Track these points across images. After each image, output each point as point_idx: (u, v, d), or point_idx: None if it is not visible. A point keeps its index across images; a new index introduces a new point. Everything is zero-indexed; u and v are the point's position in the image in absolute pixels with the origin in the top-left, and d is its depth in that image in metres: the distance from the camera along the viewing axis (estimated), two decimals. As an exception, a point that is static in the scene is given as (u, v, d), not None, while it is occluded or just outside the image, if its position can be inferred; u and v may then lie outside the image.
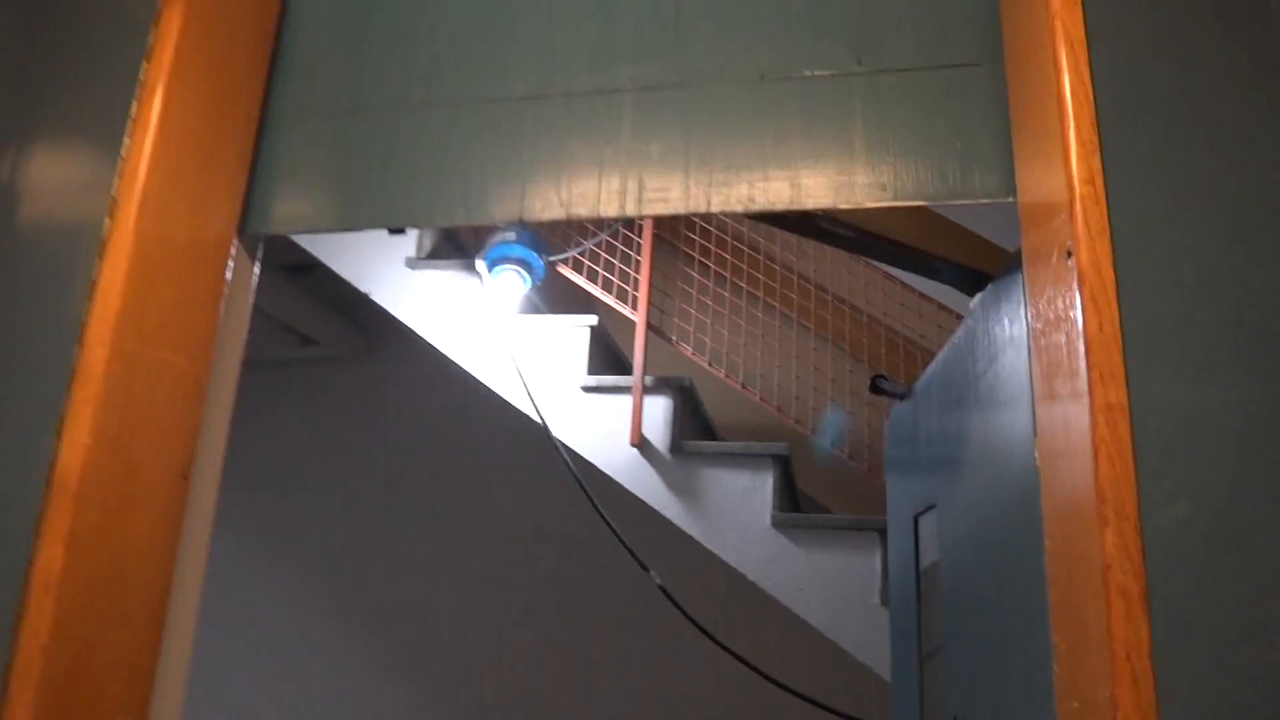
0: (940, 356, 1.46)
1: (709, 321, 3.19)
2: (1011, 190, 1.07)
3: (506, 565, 3.75)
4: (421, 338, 2.99)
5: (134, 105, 1.11)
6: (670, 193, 1.15)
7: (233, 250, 1.22)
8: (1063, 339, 0.89)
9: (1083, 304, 0.84)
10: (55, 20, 1.20)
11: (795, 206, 1.12)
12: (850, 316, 3.46)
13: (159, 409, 1.09)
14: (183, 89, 1.13)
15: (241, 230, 1.24)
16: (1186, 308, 0.84)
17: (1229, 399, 0.81)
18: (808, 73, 1.16)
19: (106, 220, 1.07)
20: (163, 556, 1.09)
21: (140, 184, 1.07)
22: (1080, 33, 0.91)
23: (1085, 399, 0.83)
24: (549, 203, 1.18)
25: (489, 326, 2.96)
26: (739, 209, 1.13)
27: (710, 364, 3.09)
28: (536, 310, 3.09)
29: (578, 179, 1.18)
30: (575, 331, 2.98)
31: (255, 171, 1.27)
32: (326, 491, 4.04)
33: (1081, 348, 0.83)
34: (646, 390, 2.86)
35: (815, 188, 1.12)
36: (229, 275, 1.21)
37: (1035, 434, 0.98)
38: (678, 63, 1.20)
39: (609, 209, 1.16)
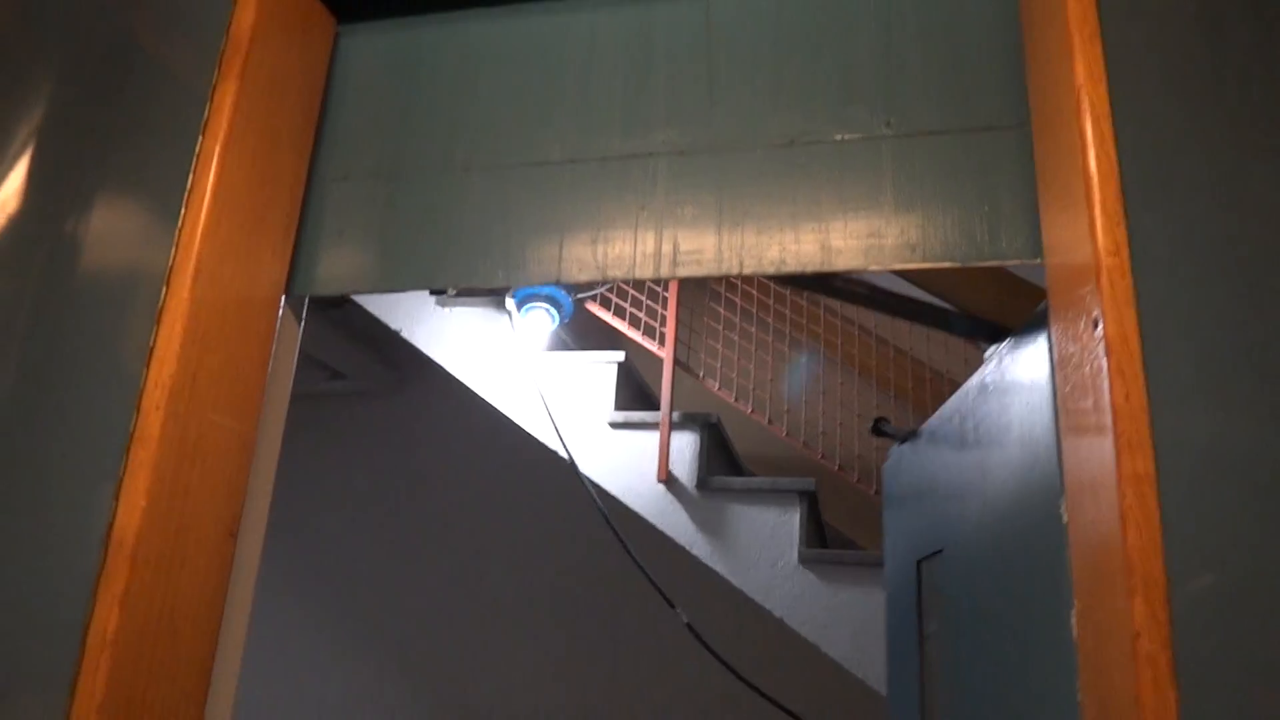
0: (954, 403, 1.47)
1: (735, 357, 3.21)
2: (1039, 252, 1.09)
3: (533, 602, 3.77)
4: (451, 374, 3.04)
5: (190, 177, 1.15)
6: (704, 255, 1.18)
7: (280, 311, 1.26)
8: (1090, 405, 0.91)
9: (1110, 374, 0.86)
10: (119, 90, 1.25)
11: (825, 268, 1.15)
12: (877, 350, 3.47)
13: (209, 470, 1.12)
14: (235, 160, 1.17)
15: (288, 291, 1.28)
16: (1213, 379, 0.86)
17: (1255, 473, 0.82)
18: (838, 137, 1.20)
19: (163, 288, 1.11)
20: (210, 612, 1.12)
21: (195, 253, 1.11)
22: (1106, 106, 0.94)
23: (1113, 468, 0.85)
24: (585, 265, 1.21)
25: (518, 363, 3.00)
26: (770, 271, 1.16)
27: (736, 399, 3.11)
28: (565, 347, 3.12)
29: (613, 241, 1.21)
30: (603, 368, 3.01)
31: (301, 233, 1.32)
32: (351, 523, 4.08)
33: (1109, 419, 0.85)
34: (674, 426, 2.88)
35: (846, 250, 1.15)
36: (276, 336, 1.25)
37: (1064, 493, 1.00)
38: (710, 128, 1.23)
39: (644, 271, 1.19)
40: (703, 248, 1.18)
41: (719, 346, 3.22)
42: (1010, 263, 1.11)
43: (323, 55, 1.39)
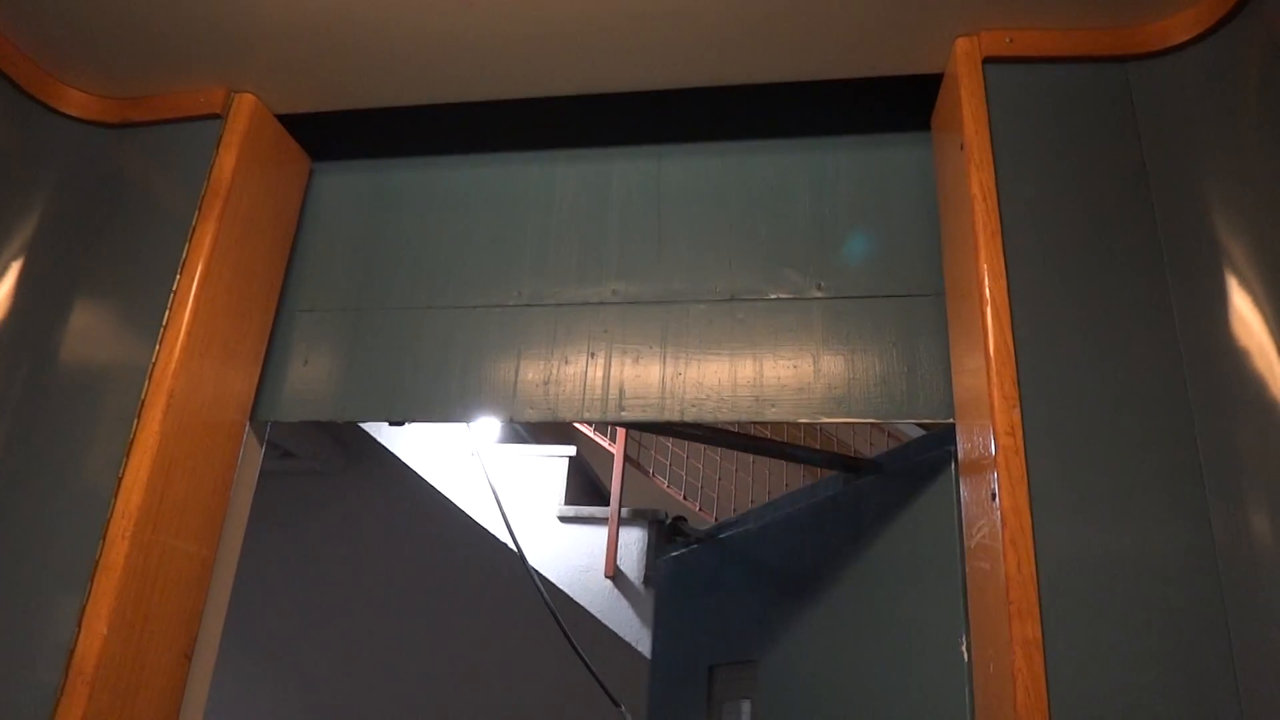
0: (781, 518, 1.56)
1: (685, 455, 3.30)
2: (951, 413, 1.20)
3: (477, 694, 3.75)
4: (401, 460, 3.08)
5: (166, 313, 1.23)
6: (648, 401, 1.27)
7: (245, 436, 1.33)
8: (988, 566, 1.01)
9: (1004, 545, 0.96)
10: (105, 222, 1.32)
11: (758, 419, 1.25)
12: (821, 442, 3.58)
13: (169, 594, 1.18)
14: (210, 296, 1.25)
15: (253, 417, 1.35)
16: (1095, 543, 0.96)
17: (1131, 634, 0.92)
18: (773, 295, 1.31)
19: (135, 420, 1.18)
20: (164, 734, 1.16)
21: (167, 387, 1.18)
22: (1004, 298, 1.06)
23: (1006, 630, 0.94)
24: (537, 405, 1.30)
25: (469, 454, 3.05)
26: (709, 420, 1.25)
27: (686, 497, 3.19)
28: (517, 439, 3.19)
29: (564, 383, 1.31)
30: (554, 461, 3.08)
31: (268, 360, 1.39)
32: (295, 604, 4.05)
33: (1004, 586, 0.95)
34: (623, 522, 2.95)
35: (778, 403, 1.25)
36: (239, 461, 1.31)
37: (966, 632, 1.09)
38: (658, 281, 1.34)
39: (591, 414, 1.28)
40: (647, 395, 1.28)
41: (669, 444, 3.31)
42: (925, 421, 1.21)
43: (297, 192, 1.48)
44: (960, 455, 1.16)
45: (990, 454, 1.01)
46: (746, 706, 1.51)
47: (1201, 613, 0.93)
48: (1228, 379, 0.98)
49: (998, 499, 0.99)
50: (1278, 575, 0.89)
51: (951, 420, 1.20)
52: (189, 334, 1.22)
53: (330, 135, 1.47)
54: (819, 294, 1.29)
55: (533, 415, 1.29)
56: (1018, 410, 1.01)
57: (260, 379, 1.37)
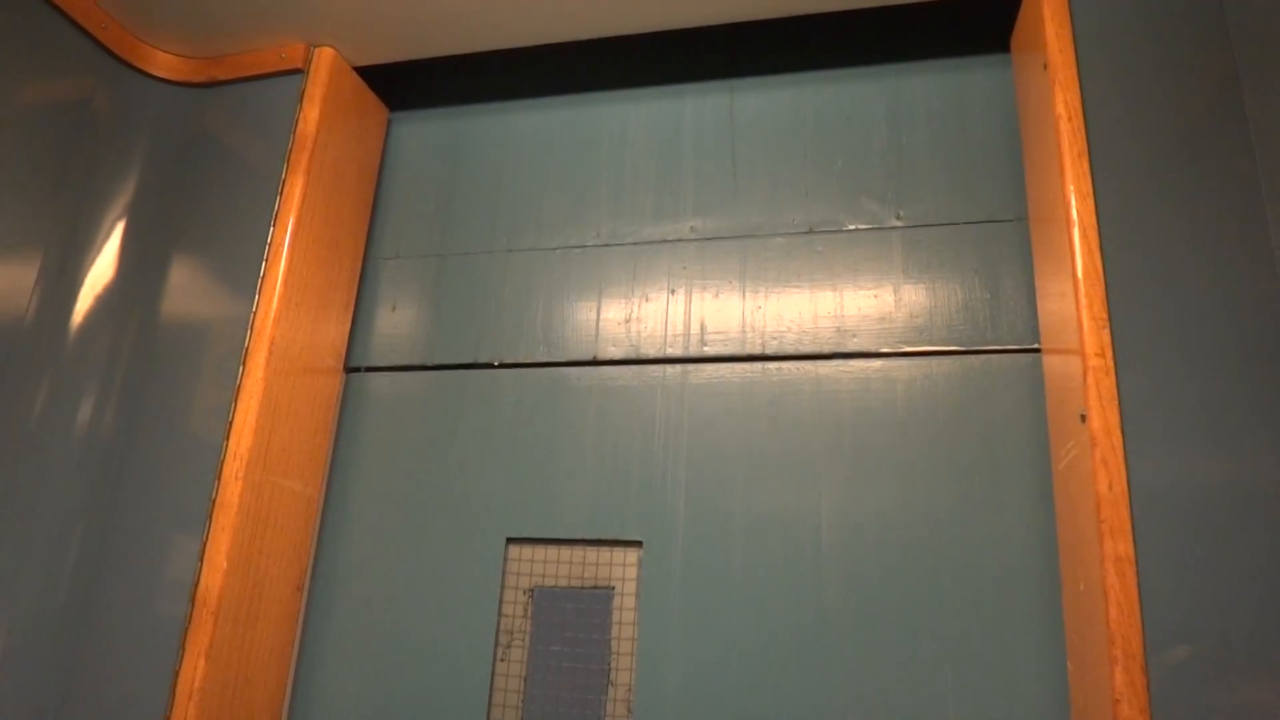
0: None
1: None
2: (1037, 339, 1.20)
3: None
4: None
5: (263, 264, 1.27)
6: (728, 338, 1.29)
7: (340, 384, 1.38)
8: (1077, 489, 1.02)
9: (1094, 465, 0.96)
10: (197, 180, 1.38)
11: (839, 350, 1.25)
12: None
13: (280, 530, 1.24)
14: (302, 247, 1.30)
15: (346, 366, 1.40)
16: (1189, 468, 0.96)
17: (1225, 553, 0.93)
18: (851, 226, 1.31)
19: (240, 367, 1.23)
20: (281, 662, 1.24)
21: (269, 336, 1.24)
22: (1092, 218, 1.05)
23: (1097, 548, 0.95)
24: (620, 344, 1.33)
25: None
26: (790, 352, 1.27)
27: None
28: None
29: (645, 321, 1.33)
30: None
31: (357, 310, 1.44)
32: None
33: (1093, 504, 0.96)
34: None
35: (859, 333, 1.25)
36: (338, 405, 1.37)
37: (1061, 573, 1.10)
38: (734, 216, 1.35)
39: (674, 350, 1.30)
40: (728, 330, 1.29)
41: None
42: (1010, 349, 1.21)
43: (377, 143, 1.51)
44: (1047, 379, 1.16)
45: (1080, 376, 1.01)
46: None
47: (1298, 529, 0.93)
48: (1327, 293, 0.96)
49: (1086, 420, 0.99)
50: (1380, 489, 0.88)
51: (1038, 346, 1.20)
52: (285, 284, 1.27)
53: (407, 85, 1.50)
54: (898, 223, 1.29)
55: (615, 353, 1.32)
56: (1107, 331, 1.01)
57: (353, 329, 1.42)
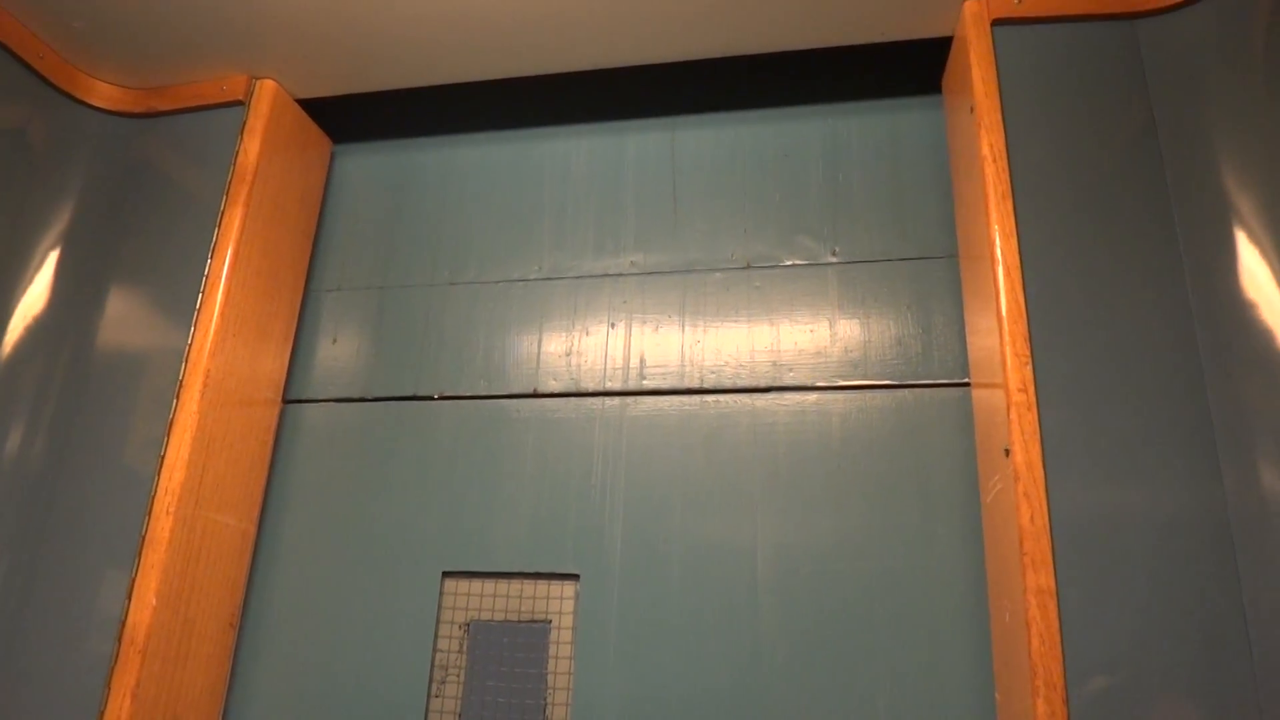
0: None
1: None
2: (967, 374, 1.23)
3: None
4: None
5: (200, 296, 1.27)
6: (668, 371, 1.31)
7: (277, 416, 1.37)
8: (1002, 521, 1.04)
9: (1017, 499, 0.99)
10: (135, 209, 1.36)
11: (774, 384, 1.27)
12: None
13: (213, 566, 1.22)
14: (240, 280, 1.29)
15: (285, 398, 1.39)
16: (1108, 501, 0.98)
17: (1142, 585, 0.95)
18: (788, 262, 1.33)
19: (174, 400, 1.22)
20: (213, 701, 1.22)
21: (204, 368, 1.23)
22: (1016, 258, 1.08)
23: (1020, 580, 0.97)
24: (560, 378, 1.34)
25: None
26: (728, 386, 1.28)
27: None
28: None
29: (586, 355, 1.34)
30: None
31: (297, 341, 1.43)
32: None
33: (1017, 538, 0.98)
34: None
35: (795, 368, 1.27)
36: (273, 440, 1.36)
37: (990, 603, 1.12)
38: (674, 252, 1.37)
39: (613, 383, 1.31)
40: (667, 364, 1.31)
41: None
42: (941, 383, 1.24)
43: (320, 174, 1.52)
44: (976, 413, 1.19)
45: (1004, 410, 1.04)
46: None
47: (1212, 564, 0.96)
48: (1237, 333, 1.00)
49: (1010, 454, 1.01)
50: (1287, 522, 0.91)
51: (967, 380, 1.22)
52: (222, 316, 1.26)
53: (351, 117, 1.50)
54: (833, 259, 1.32)
55: (555, 386, 1.33)
56: (1029, 367, 1.03)
57: (290, 359, 1.42)
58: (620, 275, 1.37)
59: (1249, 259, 1.00)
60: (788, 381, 1.27)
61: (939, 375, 1.24)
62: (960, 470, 1.20)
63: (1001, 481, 1.05)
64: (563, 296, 1.38)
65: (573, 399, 1.33)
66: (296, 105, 1.45)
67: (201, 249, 1.30)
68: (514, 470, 1.31)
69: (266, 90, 1.39)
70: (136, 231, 1.35)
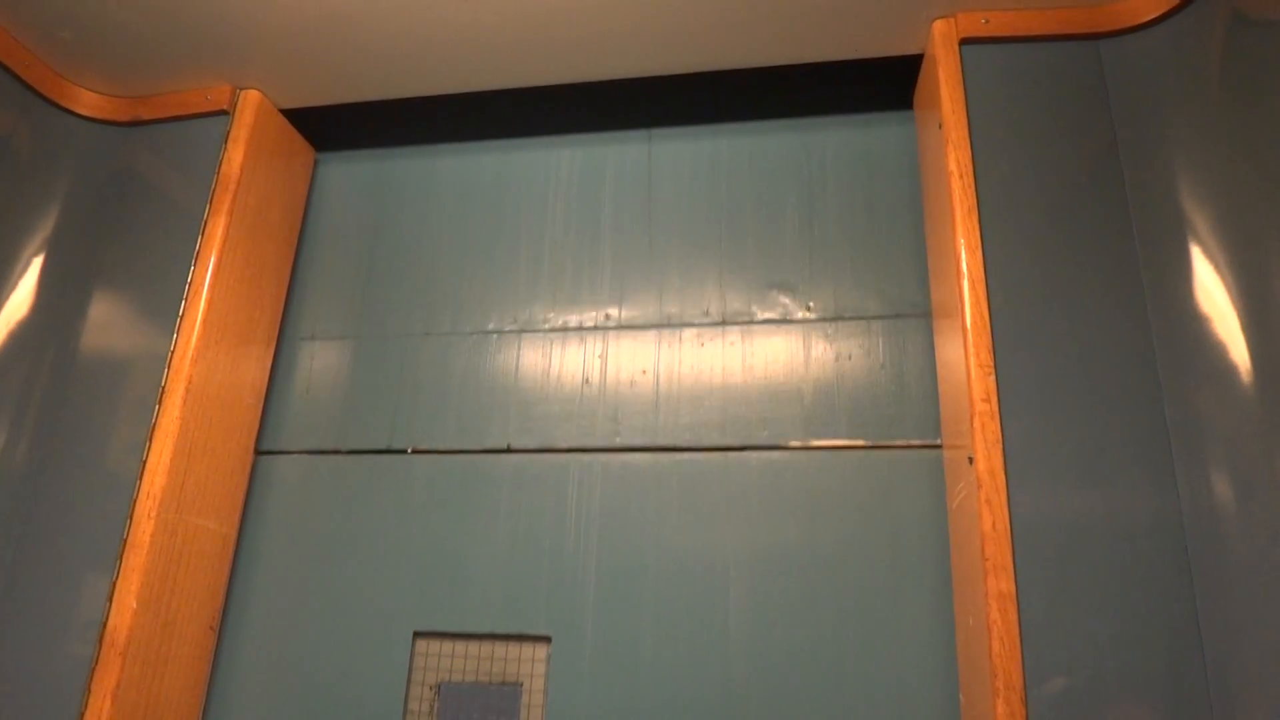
0: None
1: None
2: (939, 434, 1.24)
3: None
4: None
5: (182, 304, 1.28)
6: (643, 427, 1.32)
7: (259, 418, 1.39)
8: (967, 526, 1.07)
9: (979, 506, 1.02)
10: (120, 215, 1.38)
11: (749, 444, 1.29)
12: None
13: (193, 570, 1.24)
14: (224, 287, 1.31)
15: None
16: (1066, 507, 1.01)
17: (1099, 588, 0.98)
18: (762, 318, 1.35)
19: (156, 405, 1.24)
20: (192, 703, 1.23)
21: (186, 374, 1.24)
22: (980, 271, 1.11)
23: (982, 586, 1.00)
24: (534, 433, 1.35)
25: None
26: (704, 444, 1.29)
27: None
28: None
29: (560, 411, 1.35)
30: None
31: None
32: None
33: (979, 543, 1.01)
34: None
35: (770, 426, 1.29)
36: (257, 437, 1.38)
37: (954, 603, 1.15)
38: (651, 306, 1.38)
39: (587, 440, 1.32)
40: (641, 421, 1.32)
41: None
42: (914, 444, 1.25)
43: (303, 183, 1.54)
44: (943, 423, 1.22)
45: (968, 419, 1.07)
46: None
47: (1167, 568, 0.99)
48: (1192, 344, 1.03)
49: (974, 462, 1.04)
50: (1238, 532, 0.94)
51: (939, 442, 1.24)
52: (205, 323, 1.28)
53: (335, 126, 1.52)
54: (808, 315, 1.34)
55: (529, 442, 1.34)
56: (993, 377, 1.06)
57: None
58: (596, 329, 1.39)
59: (1204, 274, 1.03)
60: (761, 440, 1.29)
61: (913, 435, 1.26)
62: (934, 532, 1.21)
63: (965, 489, 1.08)
64: (538, 349, 1.40)
65: (547, 455, 1.33)
66: (280, 115, 1.47)
67: (185, 256, 1.32)
68: (487, 528, 1.31)
69: (250, 100, 1.41)
70: (121, 238, 1.37)
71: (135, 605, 1.15)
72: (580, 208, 1.46)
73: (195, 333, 1.27)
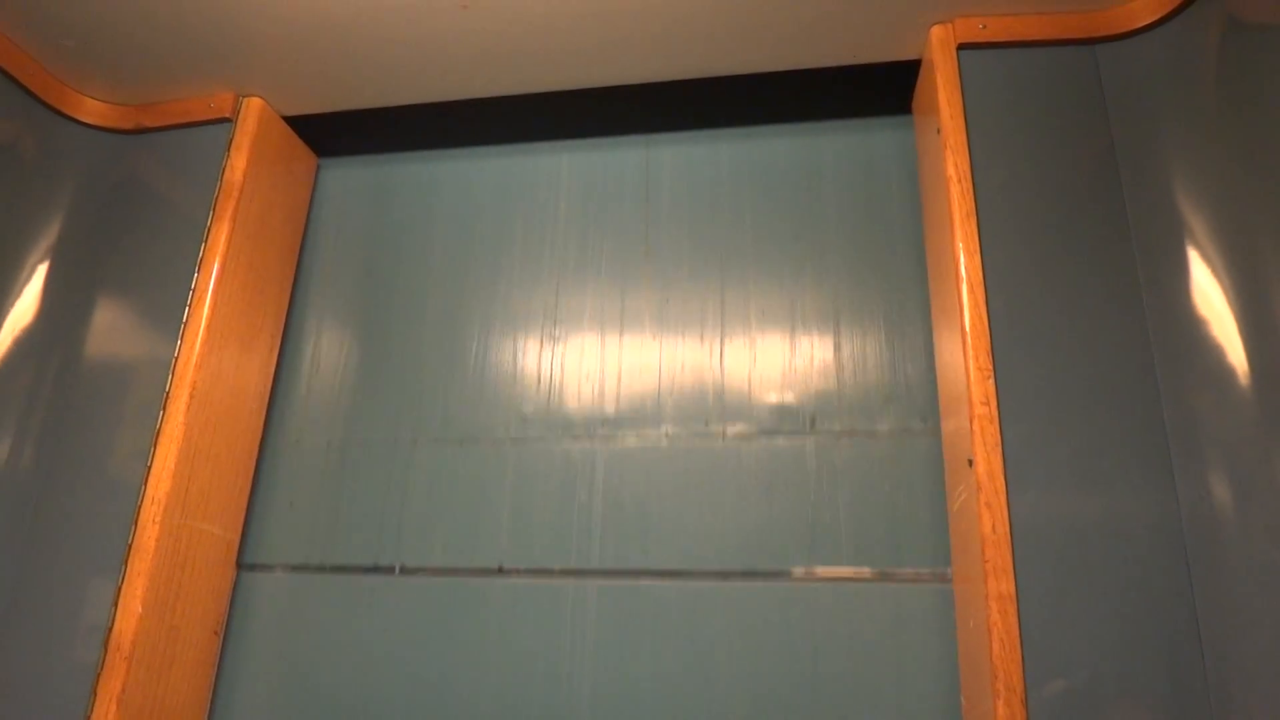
0: None
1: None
2: (949, 562, 1.20)
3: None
4: None
5: (186, 311, 1.29)
6: (639, 550, 1.28)
7: (263, 423, 1.40)
8: (967, 529, 1.07)
9: (979, 509, 1.02)
10: (123, 220, 1.39)
11: (754, 570, 1.24)
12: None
13: (198, 574, 1.25)
14: (227, 293, 1.32)
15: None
16: (1065, 509, 1.02)
17: (1098, 590, 0.99)
18: (765, 435, 1.31)
19: (161, 411, 1.24)
20: (197, 707, 1.24)
21: (190, 380, 1.25)
22: (979, 275, 1.11)
23: (983, 587, 1.00)
24: (528, 554, 1.30)
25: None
26: (705, 570, 1.25)
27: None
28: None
29: (555, 530, 1.31)
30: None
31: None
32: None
33: (979, 546, 1.01)
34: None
35: (775, 551, 1.25)
36: (263, 439, 1.39)
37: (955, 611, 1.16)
38: (653, 425, 1.34)
39: (582, 563, 1.28)
40: (639, 543, 1.28)
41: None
42: (923, 574, 1.21)
43: (305, 189, 1.55)
44: (944, 425, 1.22)
45: (967, 423, 1.07)
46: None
47: (1167, 571, 0.99)
48: (1190, 347, 1.04)
49: (974, 465, 1.05)
50: (1236, 534, 0.95)
51: (949, 574, 1.20)
52: (209, 329, 1.29)
53: (337, 133, 1.53)
54: (812, 433, 1.30)
55: (522, 564, 1.30)
56: (992, 381, 1.07)
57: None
58: (593, 441, 1.34)
59: (1201, 277, 1.04)
60: (765, 567, 1.25)
61: (920, 564, 1.22)
62: (944, 674, 1.17)
63: (965, 492, 1.09)
64: (534, 463, 1.35)
65: (540, 577, 1.29)
66: (283, 122, 1.48)
67: (188, 262, 1.33)
68: (477, 655, 1.26)
69: (253, 107, 1.42)
70: (124, 245, 1.38)
71: (140, 610, 1.15)
72: (584, 339, 1.42)
73: (199, 338, 1.28)
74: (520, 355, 1.40)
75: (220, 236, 1.33)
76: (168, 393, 1.26)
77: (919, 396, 1.28)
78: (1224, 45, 1.09)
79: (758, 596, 1.23)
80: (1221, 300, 1.01)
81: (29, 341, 1.30)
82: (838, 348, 1.32)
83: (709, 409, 1.32)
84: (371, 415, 1.41)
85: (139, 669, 1.15)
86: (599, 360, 1.38)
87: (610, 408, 1.35)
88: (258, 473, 1.41)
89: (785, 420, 1.30)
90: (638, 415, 1.34)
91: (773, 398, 1.31)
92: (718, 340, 1.35)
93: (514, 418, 1.37)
